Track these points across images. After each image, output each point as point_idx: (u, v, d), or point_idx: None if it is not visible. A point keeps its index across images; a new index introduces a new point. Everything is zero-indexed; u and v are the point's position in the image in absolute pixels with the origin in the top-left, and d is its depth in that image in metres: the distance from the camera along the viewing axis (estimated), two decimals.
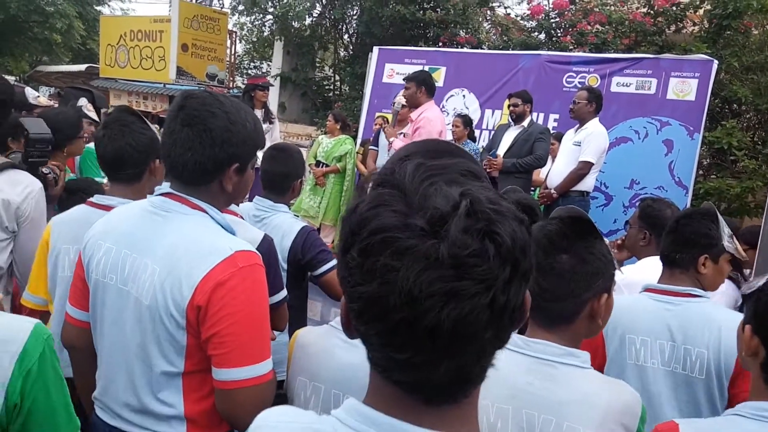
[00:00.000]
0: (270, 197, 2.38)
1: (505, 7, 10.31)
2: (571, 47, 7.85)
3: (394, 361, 0.60)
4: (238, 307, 1.27)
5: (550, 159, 5.28)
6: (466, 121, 5.61)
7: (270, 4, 11.33)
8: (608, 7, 8.24)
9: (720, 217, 1.88)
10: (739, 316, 1.72)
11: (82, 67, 14.44)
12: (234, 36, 12.70)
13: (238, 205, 2.21)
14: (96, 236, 1.43)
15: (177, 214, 1.35)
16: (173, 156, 1.34)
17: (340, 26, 11.54)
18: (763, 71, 6.90)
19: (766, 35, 7.10)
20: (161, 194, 1.39)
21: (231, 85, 12.35)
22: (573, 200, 4.64)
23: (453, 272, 0.55)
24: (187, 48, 11.01)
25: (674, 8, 7.69)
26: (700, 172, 6.70)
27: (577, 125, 4.87)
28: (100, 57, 12.70)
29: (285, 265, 2.30)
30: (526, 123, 5.23)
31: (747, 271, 3.01)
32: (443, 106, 6.57)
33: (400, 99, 5.05)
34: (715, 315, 1.72)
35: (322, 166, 6.37)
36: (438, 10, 9.50)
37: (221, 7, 13.01)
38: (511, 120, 5.38)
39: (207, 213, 1.36)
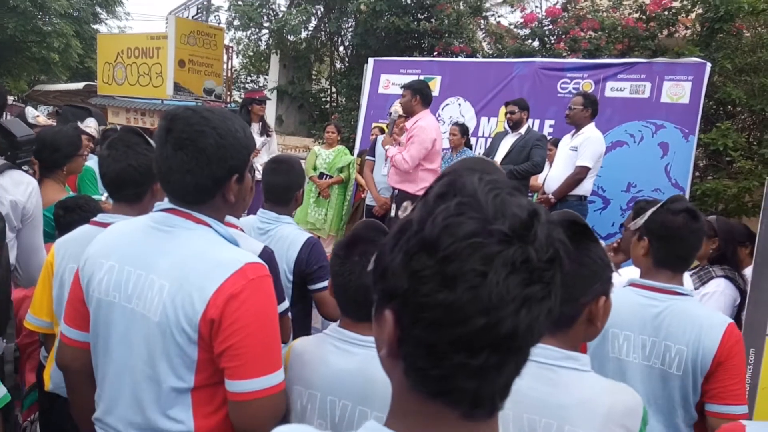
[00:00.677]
0: (274, 209, 2.40)
1: (499, 16, 10.38)
2: (564, 54, 7.90)
3: (464, 368, 0.59)
4: (251, 318, 1.27)
5: (548, 164, 5.30)
6: (463, 129, 5.66)
7: (265, 18, 11.41)
8: (600, 14, 8.30)
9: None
10: (721, 317, 1.75)
11: (80, 85, 14.51)
12: (230, 51, 12.77)
13: (238, 218, 2.22)
14: (95, 255, 1.42)
15: (181, 229, 1.35)
16: (172, 181, 1.34)
17: (335, 39, 11.63)
18: (756, 72, 6.94)
19: (758, 37, 7.15)
20: (163, 210, 1.38)
21: (228, 100, 12.40)
22: (571, 205, 4.66)
23: (528, 276, 0.57)
24: (184, 64, 11.07)
25: (666, 13, 7.75)
26: (697, 173, 6.73)
27: (574, 130, 4.90)
28: (98, 75, 12.76)
29: (291, 277, 2.31)
30: (523, 130, 5.26)
31: (745, 271, 3.01)
32: (439, 115, 6.61)
33: (397, 108, 5.09)
34: (698, 313, 1.73)
35: (325, 178, 6.40)
36: (432, 20, 9.57)
37: (217, 23, 13.10)
38: (508, 127, 5.41)
39: (211, 227, 1.36)
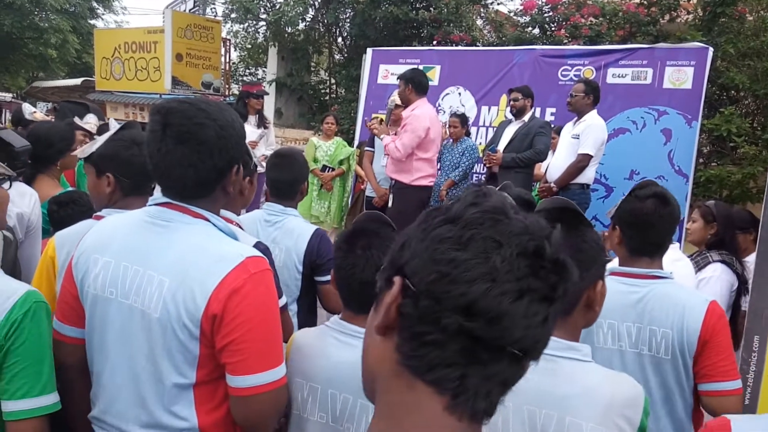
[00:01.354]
0: (279, 203, 2.40)
1: (498, 4, 10.30)
2: (565, 41, 7.84)
3: (458, 335, 0.61)
4: (253, 313, 1.27)
5: (551, 152, 5.26)
6: (463, 120, 5.61)
7: (263, 10, 11.34)
8: None
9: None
10: (702, 296, 1.73)
11: (78, 81, 14.46)
12: (228, 44, 12.70)
13: (238, 215, 2.19)
14: (89, 250, 1.39)
15: (179, 223, 1.33)
16: (173, 176, 1.31)
17: (333, 30, 11.55)
18: (760, 57, 6.87)
19: (760, 20, 7.07)
20: (158, 204, 1.36)
21: (227, 93, 12.35)
22: (573, 193, 4.62)
23: (535, 267, 0.62)
24: (182, 57, 11.01)
25: None
26: (700, 160, 6.68)
27: (575, 118, 4.85)
28: (96, 70, 12.71)
29: (300, 268, 2.31)
30: (526, 118, 5.21)
31: (749, 258, 2.97)
32: (439, 105, 6.55)
33: (394, 98, 5.06)
34: (679, 295, 1.72)
35: (327, 170, 6.36)
36: (431, 9, 9.50)
37: (214, 16, 13.03)
38: (511, 115, 5.37)
39: (209, 221, 1.35)
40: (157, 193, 1.41)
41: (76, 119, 4.58)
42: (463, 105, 6.40)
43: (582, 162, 4.68)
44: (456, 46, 8.53)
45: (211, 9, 13.61)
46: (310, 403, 1.43)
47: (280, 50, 11.47)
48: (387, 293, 0.64)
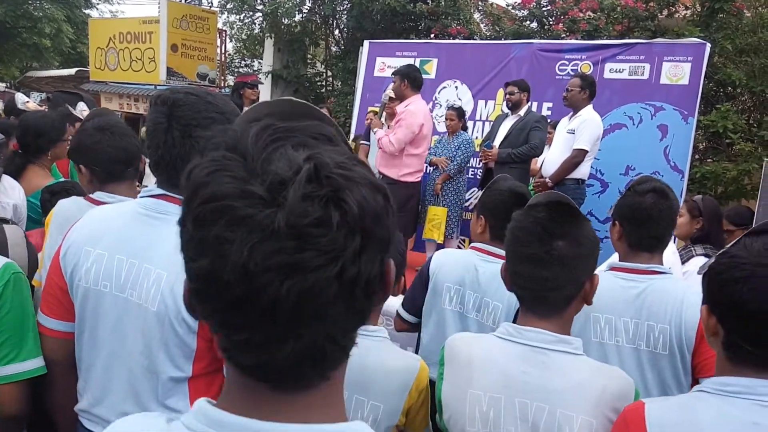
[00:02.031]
0: None
1: None
2: (563, 35, 7.81)
3: (235, 343, 0.55)
4: None
5: (547, 147, 5.25)
6: (459, 113, 5.59)
7: (259, 1, 11.25)
8: None
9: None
10: (700, 290, 1.72)
11: (72, 71, 14.35)
12: (224, 35, 12.62)
13: None
14: (80, 242, 1.36)
15: (175, 216, 1.31)
16: (180, 168, 1.28)
17: (330, 21, 11.48)
18: (757, 53, 6.86)
19: (758, 17, 7.06)
20: (152, 196, 1.33)
21: (222, 84, 12.28)
22: (568, 188, 4.61)
23: (294, 243, 0.50)
24: (177, 48, 10.93)
25: None
26: (696, 156, 6.68)
27: (571, 113, 4.84)
28: (90, 60, 12.61)
29: None
30: (522, 112, 5.19)
31: None
32: (436, 98, 6.52)
33: (389, 92, 5.05)
34: (677, 290, 1.71)
35: None
36: (428, 2, 9.45)
37: (210, 6, 12.92)
38: (507, 108, 5.35)
39: None
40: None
41: (69, 108, 4.54)
42: (459, 99, 6.38)
43: (577, 157, 4.67)
44: (453, 39, 8.49)
45: None
46: None
47: (277, 42, 11.39)
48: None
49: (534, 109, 5.80)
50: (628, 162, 5.45)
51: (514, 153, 4.99)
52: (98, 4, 21.43)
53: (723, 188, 6.55)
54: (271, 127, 0.55)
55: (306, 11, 11.41)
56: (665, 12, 7.79)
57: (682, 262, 2.99)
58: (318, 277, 0.51)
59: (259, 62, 13.34)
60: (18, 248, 1.74)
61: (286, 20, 11.06)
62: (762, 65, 6.68)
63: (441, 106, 6.39)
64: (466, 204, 5.73)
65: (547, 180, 4.80)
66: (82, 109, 5.05)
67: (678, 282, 1.78)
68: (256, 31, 12.78)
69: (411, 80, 4.85)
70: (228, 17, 12.93)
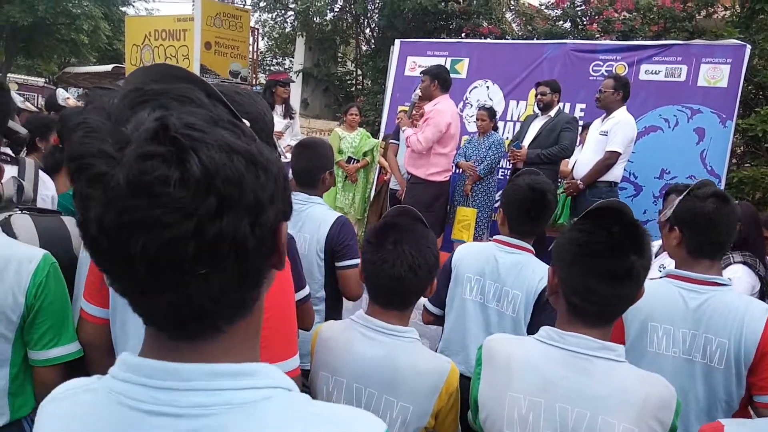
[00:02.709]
0: (304, 191, 2.43)
1: None
2: (597, 35, 7.69)
3: (122, 292, 0.59)
4: (265, 303, 1.25)
5: (579, 149, 5.18)
6: (491, 113, 5.56)
7: (291, 0, 11.34)
8: None
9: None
10: (763, 306, 1.67)
11: (109, 67, 14.66)
12: (256, 33, 12.74)
13: None
14: None
15: None
16: None
17: (361, 20, 11.50)
18: None
19: None
20: None
21: (254, 82, 12.41)
22: (601, 191, 4.54)
23: (144, 201, 0.52)
24: (210, 46, 11.07)
25: None
26: (734, 160, 6.52)
27: (604, 114, 4.76)
28: (126, 57, 12.86)
29: (323, 255, 2.33)
30: (553, 113, 5.14)
31: None
32: (466, 98, 6.49)
33: (419, 91, 5.05)
34: (740, 304, 1.67)
35: (352, 162, 6.36)
36: (460, 1, 9.39)
37: (243, 5, 13.07)
38: (538, 109, 5.30)
39: None
40: None
41: None
42: (491, 99, 6.34)
43: (610, 159, 4.60)
44: (485, 39, 8.43)
45: None
46: (335, 396, 1.44)
47: (308, 40, 11.47)
48: None
49: (567, 110, 5.73)
50: (663, 165, 5.35)
51: (543, 153, 4.94)
52: (134, 1, 21.89)
53: (761, 193, 6.38)
54: (137, 90, 0.57)
55: (337, 10, 11.47)
56: (703, 13, 7.62)
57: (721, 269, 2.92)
58: (172, 234, 0.52)
59: (291, 60, 13.45)
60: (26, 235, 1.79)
61: (318, 19, 11.14)
62: None
63: (472, 106, 6.36)
64: (496, 205, 5.70)
65: (579, 182, 4.74)
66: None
67: (741, 296, 1.73)
68: (288, 29, 12.89)
69: (441, 81, 4.84)
70: (260, 16, 13.08)
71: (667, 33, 7.40)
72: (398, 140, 5.79)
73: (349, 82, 12.38)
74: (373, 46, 11.55)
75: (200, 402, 0.59)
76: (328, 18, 11.41)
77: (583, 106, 5.84)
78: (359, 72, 12.06)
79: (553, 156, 4.95)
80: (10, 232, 1.69)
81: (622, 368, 1.24)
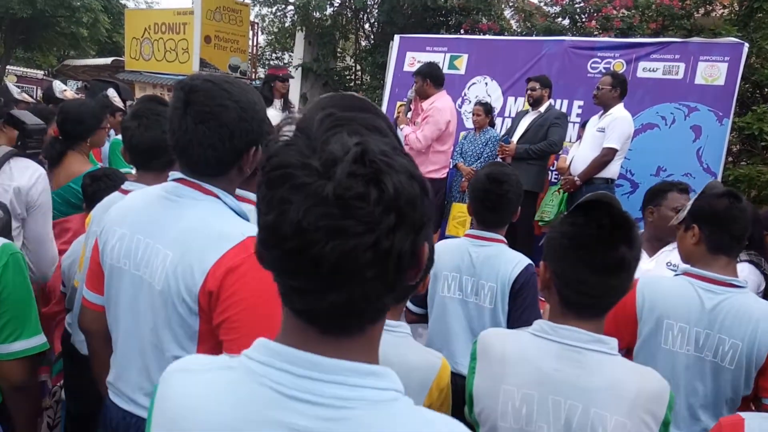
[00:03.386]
0: None
1: None
2: (596, 32, 7.70)
3: (290, 288, 0.66)
4: (249, 292, 1.25)
5: (576, 145, 5.21)
6: (487, 109, 5.58)
7: None
8: None
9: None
10: None
11: (108, 60, 14.62)
12: (256, 27, 12.72)
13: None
14: (111, 222, 1.44)
15: (188, 199, 1.35)
16: (192, 154, 1.33)
17: (361, 15, 11.49)
18: None
19: None
20: (174, 180, 1.39)
21: (253, 76, 12.40)
22: (597, 188, 4.57)
23: (339, 211, 0.60)
24: (210, 40, 11.07)
25: None
26: (730, 158, 6.54)
27: (602, 111, 4.79)
28: (126, 50, 12.84)
29: None
30: (543, 108, 5.17)
31: None
32: (465, 94, 6.51)
33: (413, 91, 5.09)
34: (754, 307, 1.69)
35: None
36: None
37: None
38: (528, 104, 5.33)
39: (219, 198, 1.36)
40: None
41: (111, 92, 4.68)
42: (489, 95, 6.36)
43: (607, 156, 4.63)
44: (484, 35, 8.44)
45: None
46: None
47: (307, 35, 11.44)
48: None
49: (564, 107, 5.75)
50: (660, 163, 5.38)
51: (531, 149, 4.96)
52: None
53: (757, 192, 6.40)
54: (333, 116, 0.66)
55: (337, 4, 11.45)
56: (701, 10, 7.63)
57: None
58: (356, 242, 0.61)
59: (290, 55, 13.43)
60: None
61: (317, 13, 11.11)
62: None
63: (470, 102, 6.38)
64: None
65: (576, 178, 4.76)
66: (112, 96, 5.18)
67: (757, 300, 1.76)
68: (288, 23, 12.86)
69: (432, 78, 4.87)
70: (260, 10, 13.04)
71: (666, 31, 7.41)
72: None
73: (348, 77, 12.37)
74: (372, 42, 11.54)
75: (341, 395, 0.65)
76: (327, 13, 11.38)
77: (581, 102, 5.87)
78: (358, 67, 12.06)
79: (541, 151, 4.98)
80: None
81: (614, 361, 1.25)
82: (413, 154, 4.96)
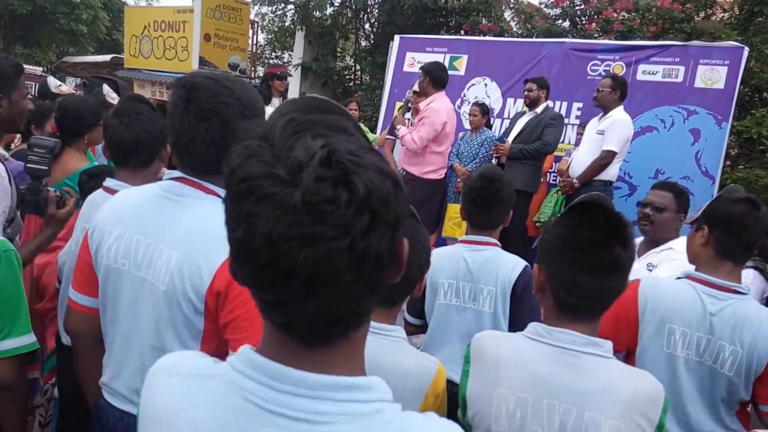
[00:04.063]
0: None
1: None
2: (596, 35, 7.71)
3: (266, 303, 0.65)
4: None
5: (575, 147, 5.21)
6: (483, 109, 5.57)
7: None
8: None
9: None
10: None
11: (107, 57, 14.59)
12: (256, 26, 12.71)
13: None
14: (104, 222, 1.42)
15: (190, 198, 1.34)
16: (193, 152, 1.32)
17: (361, 15, 11.49)
18: None
19: None
20: (172, 179, 1.37)
21: (253, 75, 12.39)
22: (596, 190, 4.56)
23: (309, 218, 0.58)
24: (210, 38, 11.05)
25: None
26: (728, 162, 6.55)
27: (601, 114, 4.79)
28: (125, 47, 12.82)
29: None
30: (539, 109, 5.17)
31: None
32: (464, 95, 6.50)
33: (415, 87, 5.08)
34: (757, 315, 1.69)
35: None
36: None
37: None
38: (525, 105, 5.34)
39: (221, 197, 1.35)
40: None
41: (105, 88, 4.64)
42: (488, 96, 6.35)
43: (606, 158, 4.63)
44: (484, 36, 8.44)
45: None
46: None
47: (307, 34, 11.43)
48: None
49: (564, 109, 5.75)
50: (658, 166, 5.38)
51: (525, 149, 4.96)
52: None
53: (755, 195, 6.41)
54: (295, 120, 0.64)
55: (337, 4, 11.44)
56: (702, 14, 7.64)
57: None
58: (330, 247, 0.58)
59: (290, 54, 13.42)
60: None
61: (318, 13, 11.11)
62: None
63: (469, 103, 6.37)
64: None
65: (575, 180, 4.76)
66: (106, 92, 5.14)
67: (759, 308, 1.76)
68: (288, 23, 12.86)
69: (433, 78, 4.86)
70: (260, 8, 13.03)
71: (666, 34, 7.42)
72: (394, 136, 5.81)
73: (347, 76, 12.36)
74: (372, 42, 11.53)
75: (323, 410, 0.64)
76: (327, 12, 11.38)
77: (581, 105, 5.87)
78: (358, 67, 12.05)
79: (535, 151, 4.97)
80: None
81: (609, 364, 1.24)
82: (410, 154, 5.00)
